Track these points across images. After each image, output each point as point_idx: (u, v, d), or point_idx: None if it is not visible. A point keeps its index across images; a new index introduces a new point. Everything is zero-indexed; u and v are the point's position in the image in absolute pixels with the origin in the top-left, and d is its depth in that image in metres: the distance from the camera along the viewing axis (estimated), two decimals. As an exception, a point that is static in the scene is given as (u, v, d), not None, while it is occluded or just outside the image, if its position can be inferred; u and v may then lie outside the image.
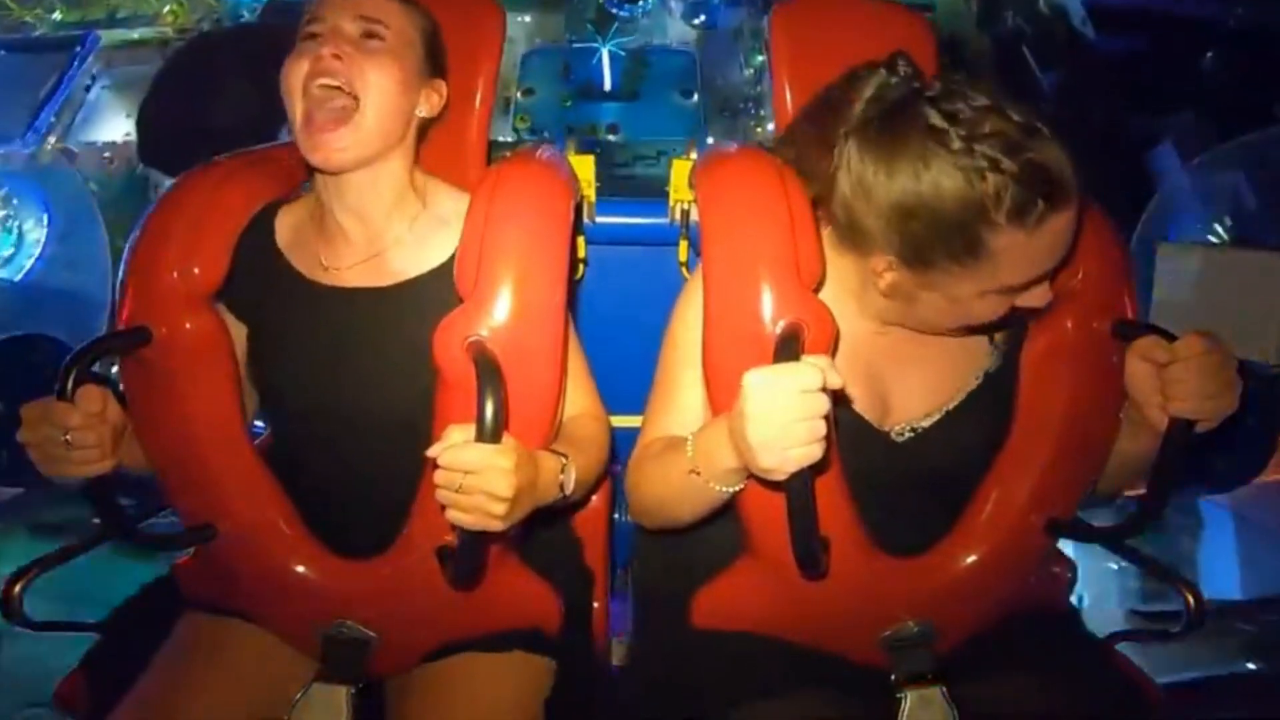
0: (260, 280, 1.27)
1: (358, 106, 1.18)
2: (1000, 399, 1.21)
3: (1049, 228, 0.99)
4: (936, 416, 1.19)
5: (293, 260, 1.28)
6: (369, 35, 1.21)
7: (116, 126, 2.90)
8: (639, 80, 2.94)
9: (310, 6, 1.23)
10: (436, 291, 1.20)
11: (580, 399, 1.28)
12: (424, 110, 1.28)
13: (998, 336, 1.23)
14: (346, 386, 1.23)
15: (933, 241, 1.02)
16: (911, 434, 1.19)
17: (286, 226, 1.30)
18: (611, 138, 2.81)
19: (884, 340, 1.18)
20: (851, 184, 1.06)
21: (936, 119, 1.00)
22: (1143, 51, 3.04)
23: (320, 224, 1.28)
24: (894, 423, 1.19)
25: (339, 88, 1.18)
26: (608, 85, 2.94)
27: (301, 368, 1.25)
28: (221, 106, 2.40)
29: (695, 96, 2.92)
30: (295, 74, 1.18)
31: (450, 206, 1.29)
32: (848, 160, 1.05)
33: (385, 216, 1.26)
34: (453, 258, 1.18)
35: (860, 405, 1.16)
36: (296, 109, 1.19)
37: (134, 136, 2.71)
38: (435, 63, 1.30)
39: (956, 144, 0.98)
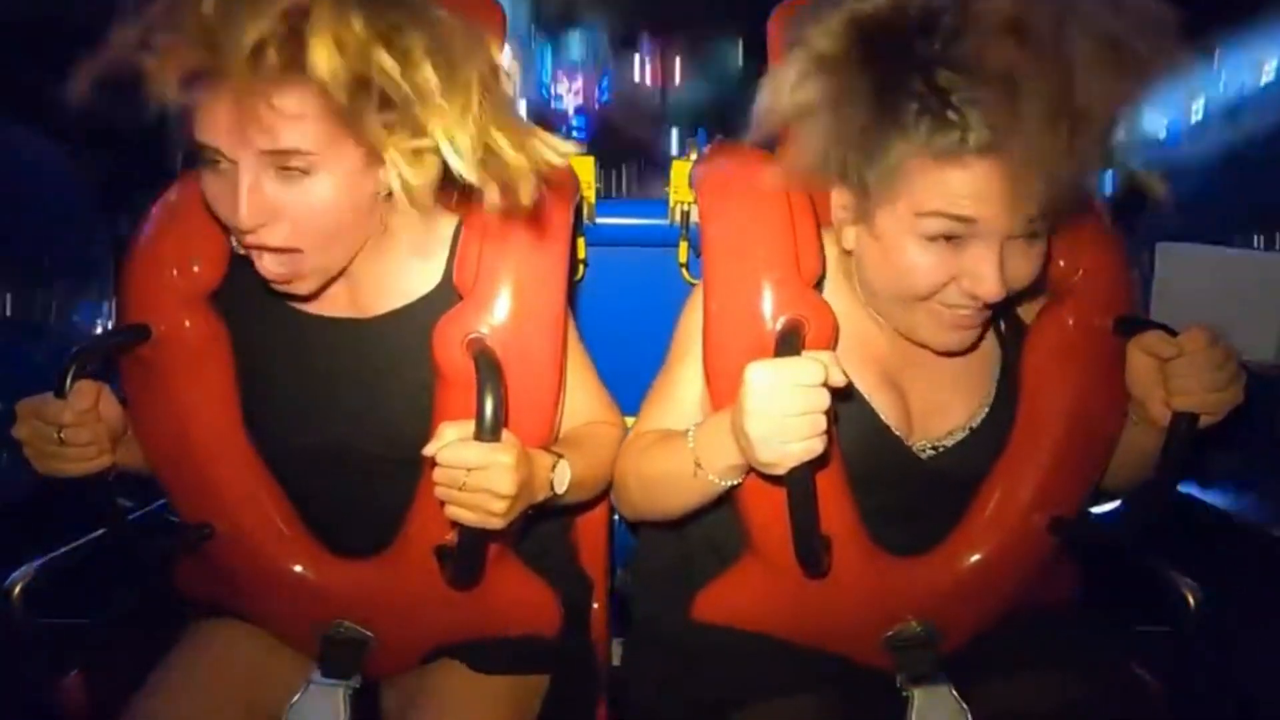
0: (247, 297, 1.19)
1: (302, 254, 1.04)
2: (1010, 404, 1.21)
3: (963, 163, 0.95)
4: (960, 435, 1.18)
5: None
6: (287, 169, 0.98)
7: None
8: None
9: (196, 118, 0.97)
10: (424, 319, 1.13)
11: (593, 408, 1.26)
12: (399, 180, 0.94)
13: (1004, 333, 1.22)
14: (338, 417, 1.18)
15: (852, 142, 0.98)
16: (933, 451, 1.18)
17: None
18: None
19: (902, 348, 1.17)
20: None
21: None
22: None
23: None
24: (917, 437, 1.18)
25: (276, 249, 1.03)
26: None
27: (289, 397, 1.19)
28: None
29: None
30: (217, 207, 1.03)
31: (433, 232, 1.17)
32: None
33: (351, 264, 1.13)
34: (439, 285, 1.16)
35: (886, 416, 1.15)
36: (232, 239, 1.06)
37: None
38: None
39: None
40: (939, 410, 1.19)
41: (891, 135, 0.96)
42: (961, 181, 0.96)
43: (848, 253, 1.13)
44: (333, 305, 1.19)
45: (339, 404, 1.18)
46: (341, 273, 1.13)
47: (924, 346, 1.12)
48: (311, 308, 1.19)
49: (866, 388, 1.14)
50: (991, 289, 1.00)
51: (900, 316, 1.11)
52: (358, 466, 1.19)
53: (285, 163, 0.98)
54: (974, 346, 1.16)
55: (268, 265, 1.05)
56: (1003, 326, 1.23)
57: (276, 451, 1.22)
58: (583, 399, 1.24)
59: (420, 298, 1.17)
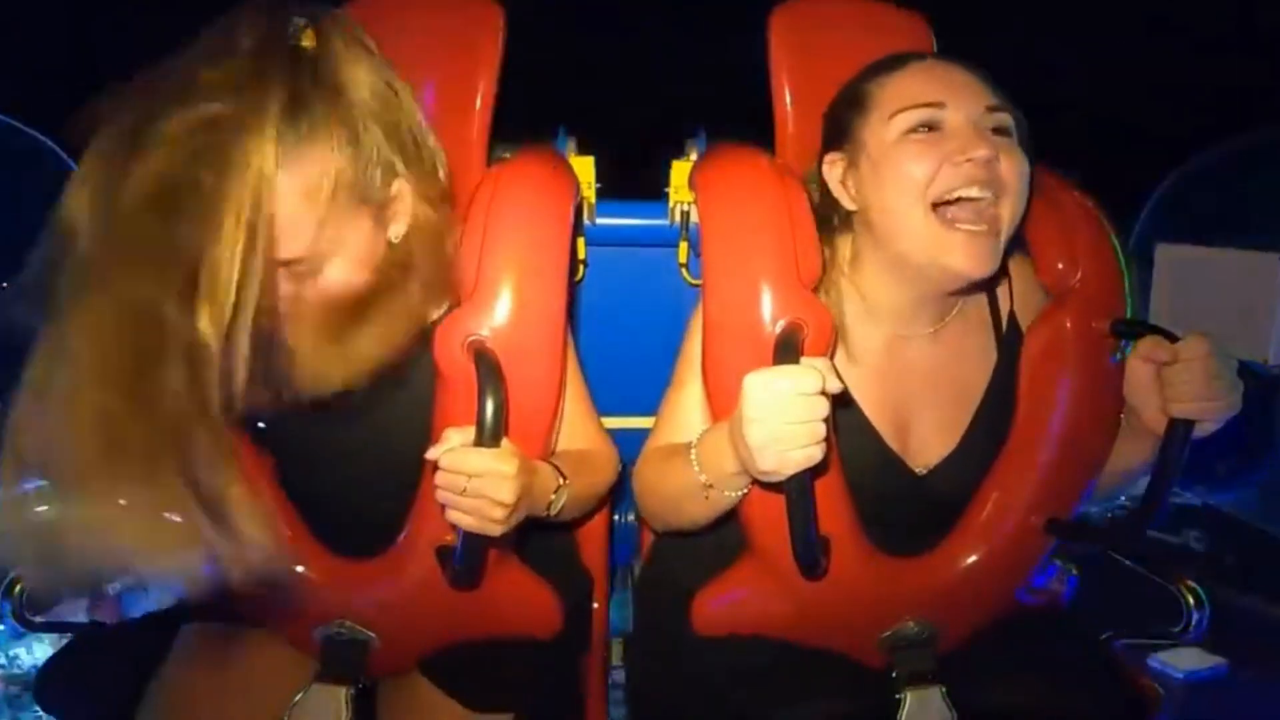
0: None
1: None
2: (1005, 406, 1.21)
3: (912, 67, 1.15)
4: (953, 444, 1.19)
5: None
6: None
7: None
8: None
9: None
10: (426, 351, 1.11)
11: (590, 433, 1.26)
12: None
13: (1001, 339, 1.23)
14: (339, 440, 1.17)
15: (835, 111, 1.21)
16: (930, 468, 1.19)
17: None
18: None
19: (898, 353, 1.19)
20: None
21: None
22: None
23: None
24: (915, 453, 1.19)
25: None
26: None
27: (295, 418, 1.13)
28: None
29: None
30: None
31: None
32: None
33: None
34: (443, 313, 1.14)
35: (887, 436, 1.16)
36: None
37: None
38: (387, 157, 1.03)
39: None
40: (934, 426, 1.19)
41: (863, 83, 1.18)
42: (911, 76, 1.13)
43: (851, 213, 1.18)
44: None
45: (340, 427, 1.16)
46: None
47: (948, 275, 1.10)
48: None
49: (868, 406, 1.15)
50: (976, 143, 1.07)
51: (913, 245, 1.10)
52: (357, 479, 1.19)
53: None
54: (969, 352, 1.18)
55: None
56: (1002, 330, 1.23)
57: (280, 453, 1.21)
58: (580, 424, 1.24)
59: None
